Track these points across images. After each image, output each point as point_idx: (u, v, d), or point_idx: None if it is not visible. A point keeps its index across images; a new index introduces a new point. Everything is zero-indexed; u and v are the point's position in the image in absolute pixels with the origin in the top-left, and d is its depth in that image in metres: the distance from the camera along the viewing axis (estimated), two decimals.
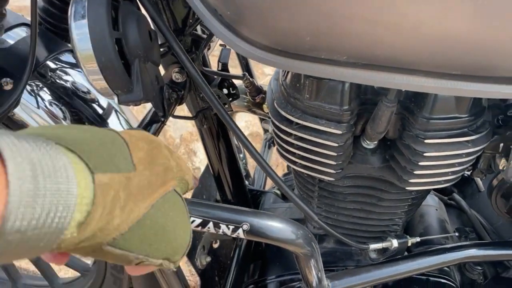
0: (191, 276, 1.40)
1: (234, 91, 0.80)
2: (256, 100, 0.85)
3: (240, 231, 0.48)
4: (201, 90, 0.59)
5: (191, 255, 0.85)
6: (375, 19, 0.40)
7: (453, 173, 0.65)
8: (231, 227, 0.48)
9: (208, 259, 0.87)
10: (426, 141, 0.60)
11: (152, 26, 0.60)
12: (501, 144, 0.66)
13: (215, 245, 0.97)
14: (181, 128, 2.28)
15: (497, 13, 0.37)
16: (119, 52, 0.52)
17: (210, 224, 0.48)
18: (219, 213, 0.48)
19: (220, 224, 0.48)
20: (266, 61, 0.51)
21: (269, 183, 1.23)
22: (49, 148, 0.27)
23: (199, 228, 0.48)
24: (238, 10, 0.47)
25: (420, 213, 0.85)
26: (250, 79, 0.80)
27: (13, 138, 0.25)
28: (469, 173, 0.79)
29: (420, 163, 0.62)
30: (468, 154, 0.62)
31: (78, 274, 1.20)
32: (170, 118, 0.73)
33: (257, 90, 0.83)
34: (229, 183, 0.89)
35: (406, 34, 0.41)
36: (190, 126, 2.26)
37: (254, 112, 0.88)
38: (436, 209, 0.85)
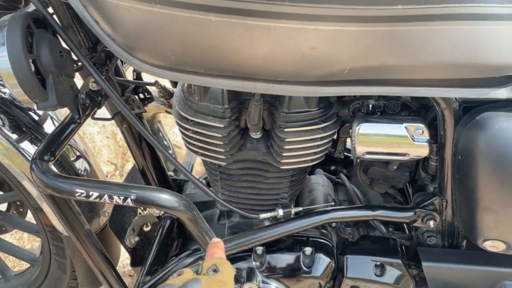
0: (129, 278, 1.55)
1: (149, 96, 0.96)
2: (170, 103, 1.01)
3: (129, 200, 0.64)
4: (110, 97, 0.75)
5: (120, 236, 1.00)
6: (213, 45, 0.57)
7: (315, 153, 0.84)
8: (121, 197, 0.64)
9: (137, 238, 1.03)
10: (286, 130, 0.78)
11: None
12: (350, 130, 0.85)
13: (146, 229, 1.12)
14: None
15: (288, 41, 0.55)
16: (36, 69, 0.67)
17: (106, 196, 0.64)
18: (112, 187, 0.64)
19: (113, 196, 0.64)
20: (151, 73, 0.67)
21: (195, 173, 1.39)
22: None
23: (98, 200, 0.63)
24: (123, 39, 0.63)
25: (309, 189, 1.04)
26: (162, 85, 0.96)
27: None
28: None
29: (285, 147, 0.80)
30: (322, 139, 0.81)
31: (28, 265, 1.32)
32: None
33: (170, 94, 1.00)
34: (152, 175, 1.05)
35: (239, 55, 0.59)
36: None
37: (170, 113, 1.04)
38: (322, 186, 1.05)
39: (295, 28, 0.53)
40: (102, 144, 2.62)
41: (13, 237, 1.80)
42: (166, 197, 0.65)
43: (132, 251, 1.03)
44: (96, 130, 2.61)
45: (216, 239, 0.72)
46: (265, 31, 0.54)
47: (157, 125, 1.21)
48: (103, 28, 0.65)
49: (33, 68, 0.66)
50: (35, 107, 0.68)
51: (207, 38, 0.55)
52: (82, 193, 0.62)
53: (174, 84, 1.24)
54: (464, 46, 0.60)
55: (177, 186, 1.15)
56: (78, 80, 0.83)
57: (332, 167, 1.16)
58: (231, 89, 0.67)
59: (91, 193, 0.62)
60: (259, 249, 0.90)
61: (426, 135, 0.78)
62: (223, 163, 0.86)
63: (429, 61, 0.61)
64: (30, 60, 0.65)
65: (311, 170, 1.12)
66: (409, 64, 0.61)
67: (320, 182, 1.06)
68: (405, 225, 1.04)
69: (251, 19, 0.52)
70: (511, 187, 0.72)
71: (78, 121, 0.76)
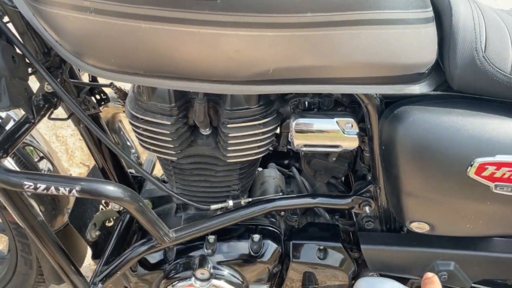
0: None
1: (105, 97, 1.01)
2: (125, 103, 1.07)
3: (74, 191, 0.70)
4: (63, 99, 0.81)
5: (81, 231, 1.05)
6: (146, 49, 0.64)
7: (258, 147, 0.91)
8: (67, 188, 0.70)
9: (98, 233, 1.08)
10: (229, 125, 0.85)
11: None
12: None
13: (109, 224, 1.18)
14: None
15: (213, 45, 0.62)
16: None
17: (52, 188, 0.69)
18: (58, 179, 0.70)
19: (59, 187, 0.70)
20: (98, 75, 0.74)
21: (158, 170, 1.45)
22: None
23: (45, 191, 0.69)
24: (69, 45, 0.69)
25: (261, 181, 1.12)
26: (117, 86, 1.02)
27: None
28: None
29: (230, 142, 0.87)
30: (263, 133, 0.88)
31: None
32: None
33: (125, 95, 1.05)
34: (112, 173, 1.10)
35: (173, 58, 0.65)
36: None
37: None
38: (274, 178, 1.12)
39: (218, 34, 0.60)
40: (75, 146, 2.64)
41: None
42: (111, 188, 0.71)
43: (93, 245, 1.08)
44: (70, 132, 2.63)
45: (430, 274, 0.70)
46: (192, 36, 0.60)
47: (118, 124, 1.26)
48: (51, 35, 0.71)
49: None
50: None
51: (140, 43, 0.62)
52: (31, 185, 0.67)
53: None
54: (375, 47, 0.68)
55: (137, 183, 1.20)
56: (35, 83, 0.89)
57: (286, 161, 1.24)
58: (169, 88, 0.73)
59: (38, 185, 0.68)
60: (211, 238, 0.97)
61: (355, 128, 0.86)
62: (173, 158, 0.92)
63: (344, 61, 0.69)
64: None
65: (265, 165, 1.20)
66: (327, 65, 0.69)
67: (272, 175, 1.13)
68: (347, 212, 1.12)
69: (178, 26, 0.59)
70: (427, 172, 0.80)
71: (33, 120, 0.81)
